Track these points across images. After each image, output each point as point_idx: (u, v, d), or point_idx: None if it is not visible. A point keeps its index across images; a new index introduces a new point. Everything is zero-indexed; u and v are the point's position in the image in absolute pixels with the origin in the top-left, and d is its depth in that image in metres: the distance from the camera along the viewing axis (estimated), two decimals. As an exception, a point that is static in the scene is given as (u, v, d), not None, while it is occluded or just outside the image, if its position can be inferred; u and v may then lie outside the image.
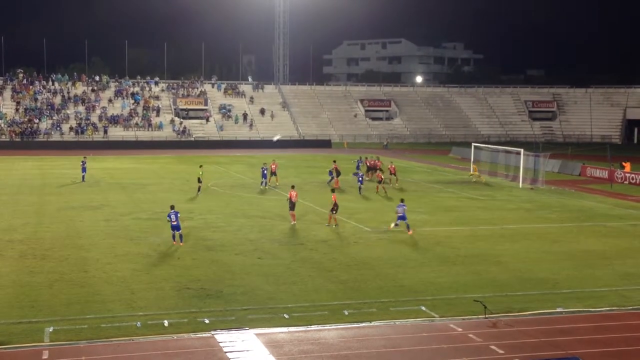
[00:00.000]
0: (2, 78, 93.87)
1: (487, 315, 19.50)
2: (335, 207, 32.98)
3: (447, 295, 21.64)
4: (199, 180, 43.10)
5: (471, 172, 52.23)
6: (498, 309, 20.12)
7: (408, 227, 31.42)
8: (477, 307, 20.10)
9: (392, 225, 31.86)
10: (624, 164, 55.32)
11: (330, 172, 47.42)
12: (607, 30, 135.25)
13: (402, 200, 32.07)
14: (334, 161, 48.66)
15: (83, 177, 47.54)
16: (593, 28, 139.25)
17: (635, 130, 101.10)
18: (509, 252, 27.95)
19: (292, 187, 34.98)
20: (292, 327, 18.30)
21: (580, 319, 19.55)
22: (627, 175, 52.33)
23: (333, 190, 35.59)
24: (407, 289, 22.32)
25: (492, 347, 17.25)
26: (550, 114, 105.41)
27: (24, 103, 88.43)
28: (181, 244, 28.03)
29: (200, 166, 46.40)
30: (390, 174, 48.53)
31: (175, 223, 28.08)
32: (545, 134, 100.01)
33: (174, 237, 28.32)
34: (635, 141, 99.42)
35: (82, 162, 48.18)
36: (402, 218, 31.32)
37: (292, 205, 33.38)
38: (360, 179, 44.42)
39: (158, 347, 16.94)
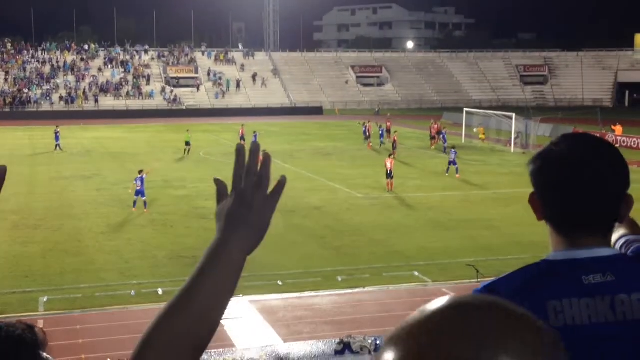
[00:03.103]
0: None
1: (479, 280, 19.64)
2: (389, 173, 33.28)
3: (440, 260, 21.77)
4: (187, 144, 44.84)
5: (480, 135, 52.81)
6: (491, 273, 20.23)
7: (457, 170, 36.85)
8: (470, 272, 20.22)
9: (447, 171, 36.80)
10: (614, 127, 55.35)
11: (365, 132, 48.78)
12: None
13: (453, 147, 38.57)
14: (368, 122, 49.58)
15: (57, 146, 47.53)
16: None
17: (627, 93, 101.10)
18: (501, 216, 28.07)
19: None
20: (286, 294, 18.41)
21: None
22: (619, 138, 52.40)
23: (390, 156, 35.44)
24: (400, 255, 22.44)
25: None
26: (542, 78, 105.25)
27: (13, 72, 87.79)
28: (145, 210, 28.01)
29: (187, 130, 47.02)
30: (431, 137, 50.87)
31: (139, 188, 28.04)
32: (537, 98, 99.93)
33: (135, 203, 28.25)
34: (627, 104, 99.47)
35: (56, 132, 48.26)
36: (453, 163, 36.88)
37: None
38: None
39: (152, 315, 16.92)
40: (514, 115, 51.43)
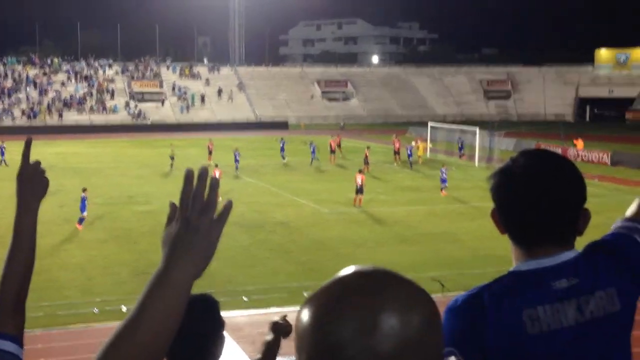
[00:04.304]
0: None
1: (444, 294, 19.69)
2: (360, 188, 33.29)
3: (405, 274, 21.77)
4: (172, 158, 45.28)
5: (419, 151, 51.27)
6: (456, 287, 20.31)
7: (443, 188, 36.77)
8: (435, 286, 20.27)
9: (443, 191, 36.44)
10: (575, 142, 56.08)
11: (313, 151, 48.53)
12: (559, 8, 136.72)
13: (443, 165, 39.00)
14: (367, 147, 48.74)
15: (2, 161, 47.51)
16: (546, 6, 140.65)
17: (587, 108, 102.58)
18: (466, 230, 28.23)
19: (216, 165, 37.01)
20: (252, 310, 18.30)
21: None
22: (580, 152, 53.09)
23: (360, 171, 35.47)
24: (366, 269, 22.43)
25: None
26: (505, 92, 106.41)
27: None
28: (78, 226, 28.06)
29: (171, 144, 47.63)
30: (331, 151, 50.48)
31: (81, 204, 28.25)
32: (500, 112, 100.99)
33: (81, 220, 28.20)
34: (587, 119, 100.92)
35: (0, 147, 48.06)
36: (444, 181, 36.85)
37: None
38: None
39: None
40: (477, 129, 51.89)
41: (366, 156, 45.94)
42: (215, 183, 1.65)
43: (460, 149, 54.27)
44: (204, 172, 1.64)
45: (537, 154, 2.32)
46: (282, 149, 50.43)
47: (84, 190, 28.68)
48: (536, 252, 2.24)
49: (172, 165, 45.06)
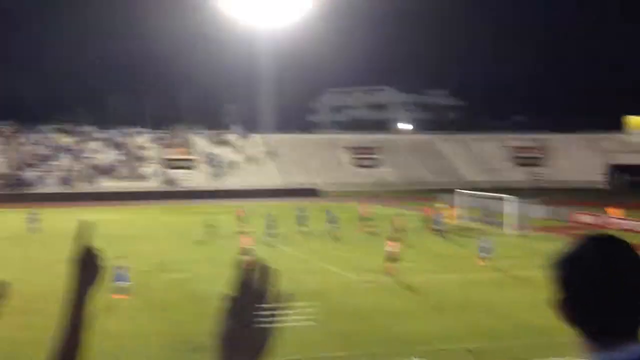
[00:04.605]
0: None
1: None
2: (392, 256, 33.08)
3: (439, 346, 21.50)
4: (211, 227, 45.36)
5: (446, 217, 51.22)
6: (492, 359, 20.00)
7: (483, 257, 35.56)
8: (469, 358, 19.97)
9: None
10: (607, 210, 55.50)
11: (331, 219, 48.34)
12: (592, 76, 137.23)
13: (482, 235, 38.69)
14: (398, 215, 48.82)
15: (33, 228, 47.97)
16: (577, 73, 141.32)
17: (619, 175, 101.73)
18: (501, 299, 27.87)
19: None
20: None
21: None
22: (617, 221, 52.49)
23: (392, 239, 34.87)
24: (399, 340, 22.17)
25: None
26: (536, 159, 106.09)
27: (10, 155, 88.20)
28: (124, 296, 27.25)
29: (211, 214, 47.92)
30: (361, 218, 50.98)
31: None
32: (530, 179, 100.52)
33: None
34: (619, 186, 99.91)
35: (31, 214, 48.80)
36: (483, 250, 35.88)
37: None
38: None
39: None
40: (508, 196, 51.60)
41: (398, 224, 45.90)
42: (269, 273, 1.66)
43: (487, 216, 53.87)
44: (257, 262, 1.66)
45: (607, 240, 2.25)
46: (301, 220, 49.69)
47: (122, 258, 27.95)
48: (610, 344, 2.18)
49: (210, 232, 45.08)
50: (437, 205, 54.93)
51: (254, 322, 1.61)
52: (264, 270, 1.67)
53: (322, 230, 48.01)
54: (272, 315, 1.65)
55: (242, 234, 36.43)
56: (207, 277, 32.27)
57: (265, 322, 1.62)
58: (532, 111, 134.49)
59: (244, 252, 34.93)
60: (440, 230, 47.34)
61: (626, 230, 49.95)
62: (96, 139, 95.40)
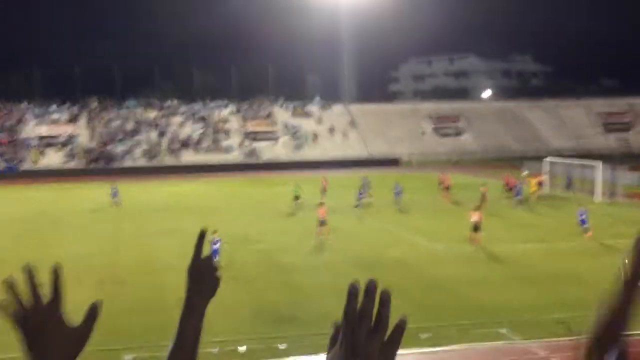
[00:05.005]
0: (77, 105, 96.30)
1: (571, 338, 18.83)
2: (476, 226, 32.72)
3: (528, 317, 21.02)
4: (297, 198, 45.58)
5: (531, 186, 49.81)
6: (582, 331, 19.43)
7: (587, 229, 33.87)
8: (560, 329, 19.45)
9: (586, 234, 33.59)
10: None
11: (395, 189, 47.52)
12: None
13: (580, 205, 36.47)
14: (484, 184, 48.00)
15: (115, 201, 48.65)
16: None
17: None
18: (590, 269, 27.06)
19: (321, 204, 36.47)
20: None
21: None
22: None
23: (476, 208, 34.21)
24: (486, 310, 21.78)
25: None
26: (626, 125, 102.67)
27: (98, 130, 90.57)
28: None
29: (296, 185, 47.48)
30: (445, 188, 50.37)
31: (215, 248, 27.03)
32: (621, 146, 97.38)
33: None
34: None
35: (113, 188, 49.55)
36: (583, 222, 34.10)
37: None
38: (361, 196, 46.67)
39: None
40: (598, 163, 50.05)
41: (483, 194, 45.21)
42: (386, 298, 1.43)
43: (569, 185, 52.44)
44: (371, 285, 1.43)
45: None
46: (362, 192, 48.42)
47: (214, 232, 27.76)
48: None
49: (297, 205, 45.18)
50: (523, 174, 53.62)
51: (370, 353, 1.38)
52: (381, 295, 1.44)
53: (407, 200, 47.58)
54: (389, 346, 1.40)
55: (320, 205, 36.39)
56: (290, 248, 32.45)
57: (381, 354, 1.39)
58: (621, 75, 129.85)
59: (321, 223, 34.92)
60: (520, 200, 46.20)
61: None
62: (180, 113, 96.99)
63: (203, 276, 2.30)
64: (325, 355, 1.45)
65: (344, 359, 1.39)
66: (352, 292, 1.42)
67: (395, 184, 47.97)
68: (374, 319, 1.41)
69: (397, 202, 46.40)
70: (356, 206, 45.09)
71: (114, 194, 49.23)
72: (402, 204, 45.97)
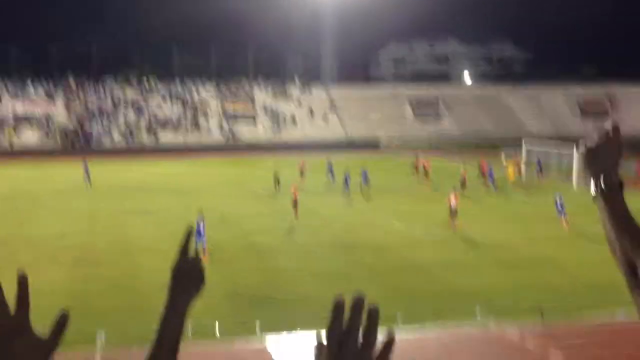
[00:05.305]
0: (54, 84, 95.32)
1: (545, 322, 18.94)
2: (454, 210, 32.68)
3: (503, 301, 21.10)
4: (277, 180, 44.71)
5: (509, 172, 49.89)
6: (557, 316, 19.53)
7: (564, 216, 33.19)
8: (535, 314, 19.54)
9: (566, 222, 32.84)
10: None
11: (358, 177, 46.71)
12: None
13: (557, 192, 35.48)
14: (464, 168, 47.75)
15: (86, 181, 48.27)
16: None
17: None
18: (566, 255, 27.24)
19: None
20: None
21: (643, 327, 18.83)
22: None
23: (454, 192, 34.15)
24: (462, 294, 21.85)
25: (551, 356, 16.70)
26: (604, 112, 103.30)
27: (75, 109, 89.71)
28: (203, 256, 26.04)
29: (275, 170, 46.94)
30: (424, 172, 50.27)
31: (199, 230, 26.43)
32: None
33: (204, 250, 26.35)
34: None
35: (85, 167, 49.05)
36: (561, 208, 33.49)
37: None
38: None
39: (210, 355, 16.77)
40: (576, 149, 50.22)
41: (464, 177, 45.21)
42: (374, 314, 1.33)
43: (539, 170, 52.50)
44: (359, 300, 1.33)
45: None
46: (331, 171, 48.64)
47: (200, 212, 27.36)
48: None
49: (277, 188, 44.37)
50: (505, 160, 53.48)
51: None
52: (369, 310, 1.34)
53: (386, 183, 47.58)
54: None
55: (295, 187, 36.29)
56: (267, 230, 32.36)
57: None
58: (600, 61, 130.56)
59: (295, 204, 34.81)
60: (493, 185, 46.09)
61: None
62: (160, 93, 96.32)
63: (189, 276, 2.21)
64: None
65: None
66: (338, 306, 1.34)
67: (362, 170, 46.52)
68: (361, 335, 1.32)
69: (363, 190, 44.67)
70: (345, 190, 44.27)
71: (88, 173, 48.74)
72: (368, 190, 44.55)
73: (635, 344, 17.47)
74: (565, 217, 33.06)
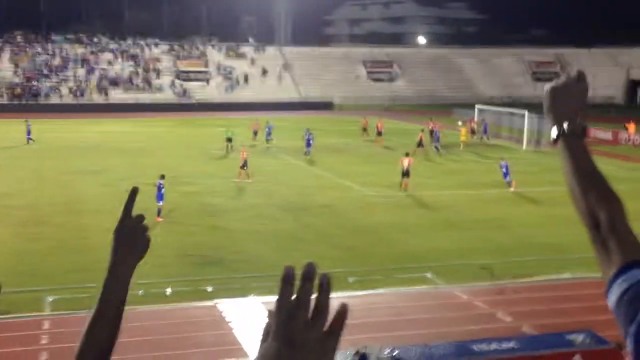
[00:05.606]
0: (0, 39, 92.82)
1: (493, 282, 19.25)
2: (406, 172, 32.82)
3: (453, 262, 21.37)
4: (229, 140, 43.97)
5: (462, 136, 49.97)
6: (504, 275, 19.86)
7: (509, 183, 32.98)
8: (483, 274, 19.86)
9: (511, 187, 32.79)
10: (627, 125, 54.66)
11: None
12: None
13: (502, 159, 35.07)
14: (422, 130, 47.36)
15: (28, 139, 47.54)
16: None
17: (639, 90, 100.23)
18: (514, 216, 27.65)
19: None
20: (297, 295, 18.04)
21: (588, 285, 19.24)
22: (631, 137, 51.82)
23: (407, 154, 33.85)
24: (412, 255, 22.06)
25: (499, 314, 17.00)
26: (554, 74, 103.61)
27: (23, 65, 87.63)
28: (158, 218, 25.32)
29: (227, 127, 46.12)
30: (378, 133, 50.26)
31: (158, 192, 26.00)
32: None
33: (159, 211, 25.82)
34: (639, 102, 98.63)
35: (27, 125, 48.22)
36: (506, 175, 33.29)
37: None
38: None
39: (160, 316, 16.71)
40: (526, 112, 50.86)
41: (421, 139, 45.25)
42: (326, 284, 1.26)
43: (485, 131, 52.79)
44: (310, 269, 1.26)
45: None
46: (269, 134, 48.35)
47: (162, 177, 26.64)
48: None
49: (230, 147, 43.56)
50: (459, 123, 53.46)
51: (308, 346, 1.24)
52: (321, 279, 1.27)
53: (341, 143, 47.63)
54: (329, 337, 1.25)
55: (244, 149, 35.98)
56: (219, 191, 32.19)
57: (320, 347, 1.24)
58: (551, 25, 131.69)
59: (243, 165, 34.50)
60: (437, 147, 46.01)
61: (637, 146, 49.23)
62: (111, 50, 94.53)
63: (133, 238, 2.12)
64: (259, 346, 1.28)
65: (279, 351, 1.23)
66: (287, 277, 1.27)
67: (306, 131, 45.43)
68: (312, 306, 1.26)
69: (307, 152, 43.68)
70: (305, 153, 43.75)
71: (28, 135, 47.77)
72: (312, 153, 43.49)
73: (576, 299, 17.88)
74: (511, 181, 33.18)
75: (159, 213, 25.67)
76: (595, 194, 2.06)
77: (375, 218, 27.21)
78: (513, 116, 54.74)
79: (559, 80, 2.29)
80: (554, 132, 2.20)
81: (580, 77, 2.30)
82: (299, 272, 1.32)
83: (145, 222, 2.17)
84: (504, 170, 33.66)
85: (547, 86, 2.30)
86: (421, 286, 19.13)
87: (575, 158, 2.13)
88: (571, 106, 2.24)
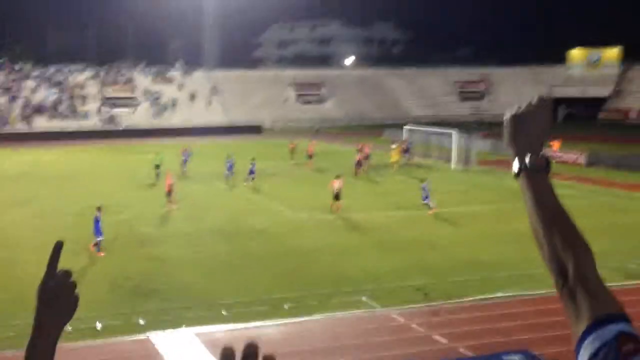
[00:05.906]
0: None
1: (428, 304, 19.32)
2: (337, 195, 32.63)
3: (388, 284, 21.40)
4: (157, 167, 43.03)
5: (393, 156, 50.30)
6: (439, 296, 19.96)
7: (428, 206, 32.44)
8: (418, 295, 19.92)
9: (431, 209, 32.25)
10: (551, 143, 55.90)
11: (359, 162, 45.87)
12: (534, 10, 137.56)
13: (422, 181, 33.92)
14: (358, 151, 47.36)
15: None
16: (521, 6, 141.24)
17: (559, 109, 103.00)
18: (447, 236, 27.91)
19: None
20: (232, 324, 17.76)
21: (522, 303, 19.51)
22: (555, 154, 53.06)
23: (337, 177, 33.60)
24: (347, 278, 22.01)
25: (436, 336, 17.05)
26: (479, 93, 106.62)
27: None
28: (99, 253, 24.93)
29: (157, 153, 45.19)
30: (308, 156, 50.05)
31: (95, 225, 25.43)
32: (475, 114, 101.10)
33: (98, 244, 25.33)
34: (560, 119, 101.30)
35: None
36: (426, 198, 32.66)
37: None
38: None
39: (92, 352, 16.22)
40: (453, 131, 51.65)
41: (359, 160, 45.51)
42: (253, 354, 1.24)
43: (407, 150, 53.24)
44: (252, 350, 1.17)
45: None
46: (185, 161, 46.42)
47: (98, 209, 25.87)
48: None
49: (157, 174, 42.56)
50: (392, 146, 53.76)
51: None
52: (252, 356, 1.22)
53: (271, 167, 47.44)
54: None
55: (169, 175, 35.42)
56: (149, 219, 31.63)
57: None
58: (477, 44, 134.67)
59: (169, 191, 33.91)
60: (360, 168, 46.00)
61: (559, 163, 50.30)
62: (33, 77, 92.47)
63: (57, 297, 1.95)
64: None
65: None
66: (226, 356, 1.26)
67: (227, 158, 43.95)
68: None
69: (227, 177, 42.75)
70: (226, 177, 43.22)
71: None
72: (233, 180, 42.45)
73: (511, 317, 18.09)
74: (431, 204, 32.90)
75: (98, 247, 25.08)
76: (560, 239, 1.94)
77: (308, 241, 27.10)
78: (441, 136, 55.50)
79: (519, 107, 2.14)
80: (515, 166, 2.08)
81: (542, 104, 2.13)
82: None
83: (73, 278, 2.01)
84: (424, 193, 33.07)
85: (507, 114, 2.16)
86: (357, 310, 19.07)
87: (538, 194, 2.03)
88: (533, 137, 2.10)
